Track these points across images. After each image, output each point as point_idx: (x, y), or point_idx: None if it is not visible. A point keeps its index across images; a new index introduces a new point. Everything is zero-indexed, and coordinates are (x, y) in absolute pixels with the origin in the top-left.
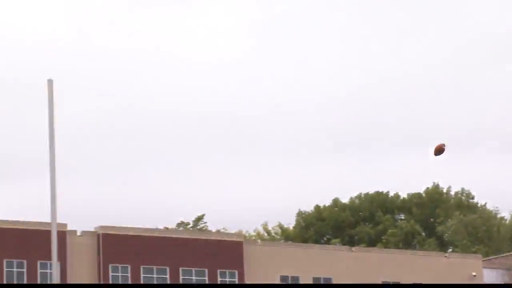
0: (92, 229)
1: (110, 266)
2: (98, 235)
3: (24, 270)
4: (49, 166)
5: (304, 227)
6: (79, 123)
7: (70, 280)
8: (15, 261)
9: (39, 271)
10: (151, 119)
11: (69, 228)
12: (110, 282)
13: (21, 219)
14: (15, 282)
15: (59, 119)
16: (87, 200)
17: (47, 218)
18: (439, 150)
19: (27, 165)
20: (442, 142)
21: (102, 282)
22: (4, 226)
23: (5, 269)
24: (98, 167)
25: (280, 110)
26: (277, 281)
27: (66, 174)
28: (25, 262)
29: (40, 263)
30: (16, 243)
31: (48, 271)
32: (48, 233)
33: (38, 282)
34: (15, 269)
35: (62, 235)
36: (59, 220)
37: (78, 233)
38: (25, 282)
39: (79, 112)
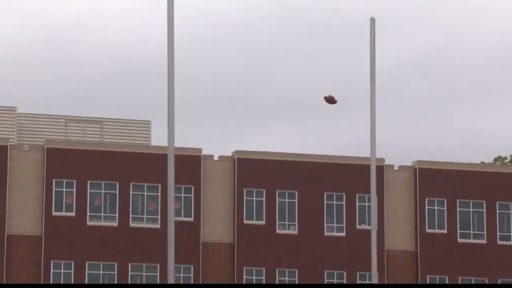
0: (409, 164)
1: (426, 200)
2: (415, 169)
3: (343, 203)
4: (369, 102)
5: None
6: (398, 60)
7: (387, 212)
8: (334, 194)
9: (357, 204)
10: (475, 55)
11: (386, 163)
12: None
13: (342, 154)
14: (334, 214)
15: (380, 56)
16: (405, 135)
17: (366, 153)
18: (330, 100)
19: (349, 102)
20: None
21: (418, 215)
22: (325, 161)
23: (330, 203)
24: (416, 103)
25: None
26: None
27: (385, 111)
28: (344, 195)
29: (359, 196)
30: (336, 177)
31: (366, 204)
32: (367, 167)
33: (357, 215)
34: (334, 202)
35: (380, 169)
36: (378, 155)
37: (395, 168)
38: (344, 214)
39: (397, 50)
